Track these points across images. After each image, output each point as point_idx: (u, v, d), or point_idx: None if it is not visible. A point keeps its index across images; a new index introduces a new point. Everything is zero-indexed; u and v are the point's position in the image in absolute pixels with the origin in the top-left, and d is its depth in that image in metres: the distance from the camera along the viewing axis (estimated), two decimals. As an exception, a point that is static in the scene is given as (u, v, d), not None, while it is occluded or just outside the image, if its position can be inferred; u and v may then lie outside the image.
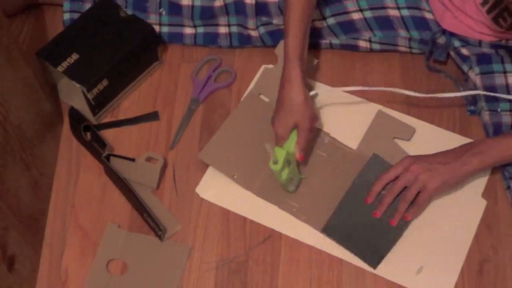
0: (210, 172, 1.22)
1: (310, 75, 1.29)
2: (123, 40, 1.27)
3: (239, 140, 1.22)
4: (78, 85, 1.21)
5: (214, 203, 1.20)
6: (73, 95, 1.30)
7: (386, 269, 1.12)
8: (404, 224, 1.13)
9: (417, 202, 1.11)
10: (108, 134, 1.28)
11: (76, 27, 1.30)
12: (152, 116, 1.30)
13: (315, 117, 1.15)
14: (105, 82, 1.24)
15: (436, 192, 1.10)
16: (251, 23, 1.31)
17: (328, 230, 1.15)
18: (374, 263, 1.12)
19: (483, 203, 1.17)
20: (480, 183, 1.19)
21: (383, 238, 1.13)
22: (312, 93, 1.21)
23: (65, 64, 1.23)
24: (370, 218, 1.14)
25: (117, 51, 1.26)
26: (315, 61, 1.30)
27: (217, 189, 1.21)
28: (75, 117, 1.26)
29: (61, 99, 1.33)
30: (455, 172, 1.09)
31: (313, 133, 1.16)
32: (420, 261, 1.12)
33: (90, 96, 1.22)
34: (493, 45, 1.21)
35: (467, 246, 1.13)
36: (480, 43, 1.21)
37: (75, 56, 1.24)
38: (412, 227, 1.15)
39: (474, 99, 1.24)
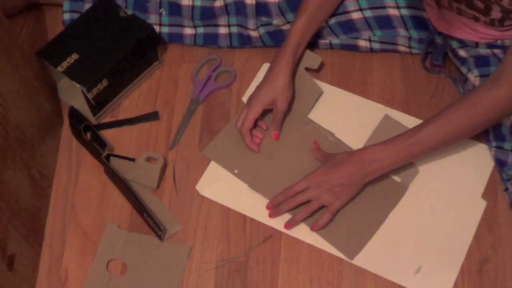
0: (211, 169, 1.23)
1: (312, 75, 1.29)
2: (123, 40, 1.27)
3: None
4: (78, 85, 1.21)
5: (214, 200, 1.20)
6: (73, 95, 1.30)
7: (384, 268, 1.12)
8: (382, 217, 1.15)
9: (321, 221, 1.14)
10: (108, 134, 1.28)
11: (76, 27, 1.30)
12: (152, 116, 1.30)
13: (290, 100, 1.22)
14: (105, 82, 1.24)
15: (339, 209, 1.15)
16: (251, 23, 1.31)
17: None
18: (351, 254, 1.13)
19: (483, 204, 1.17)
20: (480, 184, 1.19)
21: (361, 230, 1.15)
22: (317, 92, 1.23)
23: (65, 64, 1.23)
24: (349, 211, 1.16)
25: (117, 51, 1.26)
26: (319, 60, 1.29)
27: (217, 186, 1.21)
28: (75, 117, 1.26)
29: (61, 99, 1.33)
30: (357, 188, 1.14)
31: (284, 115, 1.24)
32: (419, 261, 1.13)
33: (90, 96, 1.22)
34: (490, 46, 1.20)
35: (466, 247, 1.13)
36: (476, 43, 1.21)
37: (75, 56, 1.24)
38: (411, 226, 1.15)
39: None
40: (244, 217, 1.18)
